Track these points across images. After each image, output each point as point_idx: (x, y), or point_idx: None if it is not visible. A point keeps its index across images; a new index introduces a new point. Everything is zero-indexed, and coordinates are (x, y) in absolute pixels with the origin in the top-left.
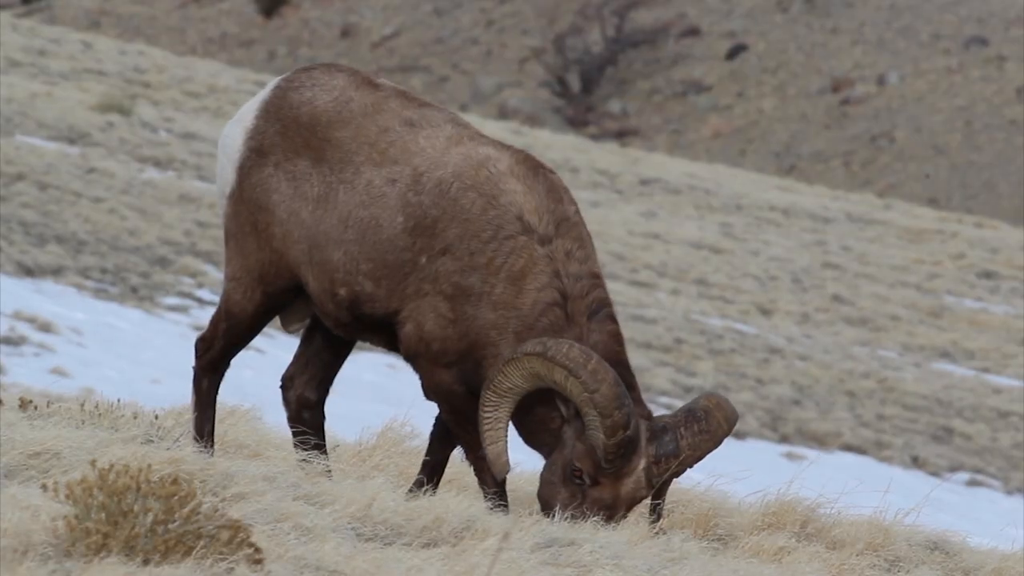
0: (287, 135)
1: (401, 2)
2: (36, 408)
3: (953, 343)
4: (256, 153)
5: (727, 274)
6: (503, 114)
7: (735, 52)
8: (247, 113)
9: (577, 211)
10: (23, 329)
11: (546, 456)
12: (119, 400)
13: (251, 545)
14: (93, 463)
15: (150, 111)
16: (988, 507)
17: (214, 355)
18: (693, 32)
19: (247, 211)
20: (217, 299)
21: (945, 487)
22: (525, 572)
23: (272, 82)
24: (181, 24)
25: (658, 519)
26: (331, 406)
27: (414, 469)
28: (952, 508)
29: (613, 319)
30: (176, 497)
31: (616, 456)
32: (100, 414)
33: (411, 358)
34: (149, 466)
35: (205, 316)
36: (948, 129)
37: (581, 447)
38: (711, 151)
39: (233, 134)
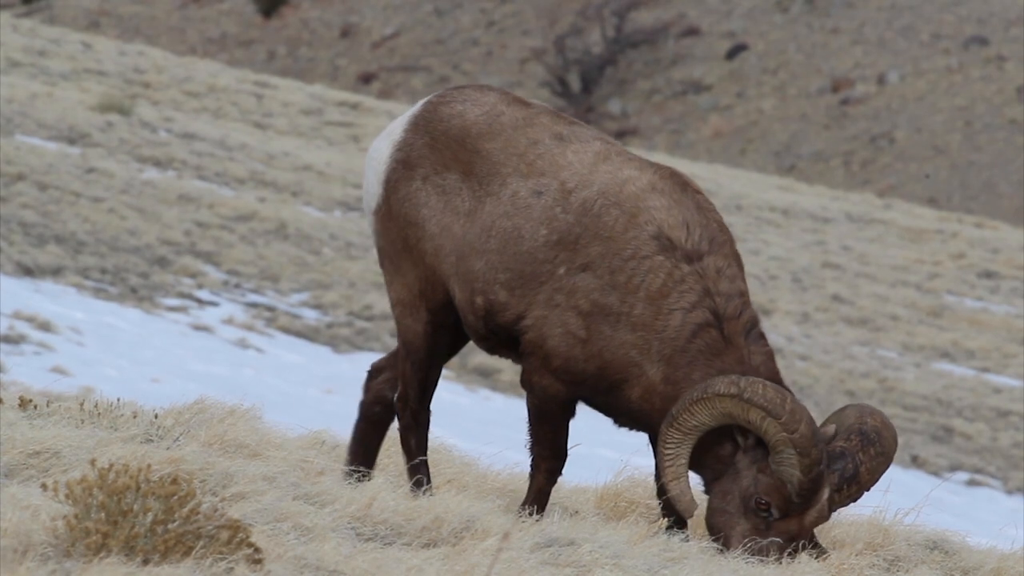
0: (436, 148)
1: (401, 2)
2: (36, 407)
3: (953, 343)
4: (403, 165)
5: None
6: None
7: (735, 52)
8: (396, 127)
9: (721, 228)
10: (23, 328)
11: (707, 479)
12: (119, 399)
13: (251, 545)
14: (93, 462)
15: (150, 111)
16: (988, 507)
17: (412, 406)
18: (693, 32)
19: (396, 227)
20: (215, 299)
21: (945, 487)
22: (525, 572)
23: (424, 98)
24: (181, 24)
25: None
26: (331, 406)
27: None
28: (952, 508)
29: (765, 338)
30: (176, 497)
31: (809, 491)
32: (100, 413)
33: (524, 356)
34: (149, 466)
35: (205, 316)
36: (948, 129)
37: (768, 481)
38: (711, 151)
39: (381, 147)
